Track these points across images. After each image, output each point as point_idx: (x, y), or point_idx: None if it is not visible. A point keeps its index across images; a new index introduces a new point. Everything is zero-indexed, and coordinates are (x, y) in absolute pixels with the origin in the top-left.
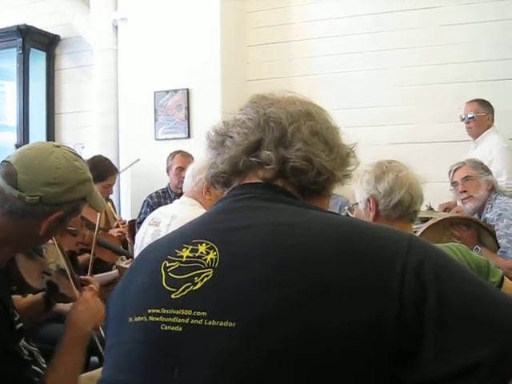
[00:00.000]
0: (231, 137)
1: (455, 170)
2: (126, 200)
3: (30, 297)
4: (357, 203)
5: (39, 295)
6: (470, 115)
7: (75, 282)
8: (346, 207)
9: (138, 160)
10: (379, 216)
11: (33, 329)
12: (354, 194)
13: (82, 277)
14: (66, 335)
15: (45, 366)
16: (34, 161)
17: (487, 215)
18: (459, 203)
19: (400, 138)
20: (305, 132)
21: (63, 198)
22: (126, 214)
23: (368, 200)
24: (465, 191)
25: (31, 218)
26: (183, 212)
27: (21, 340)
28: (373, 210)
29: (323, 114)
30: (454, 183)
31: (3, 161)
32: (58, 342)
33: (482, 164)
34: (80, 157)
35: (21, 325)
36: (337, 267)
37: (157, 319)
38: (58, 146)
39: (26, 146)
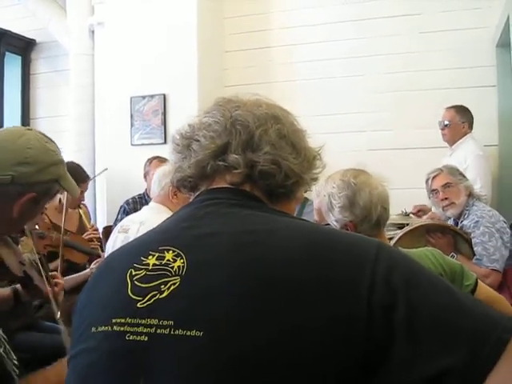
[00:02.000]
0: (198, 140)
1: (433, 178)
2: (101, 206)
3: (0, 291)
4: (328, 224)
5: (7, 289)
6: (445, 122)
7: (47, 277)
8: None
9: (106, 169)
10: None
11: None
12: (318, 208)
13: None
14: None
15: (16, 362)
16: (4, 142)
17: (464, 222)
18: (435, 210)
19: (379, 144)
20: (272, 135)
21: (35, 178)
22: (102, 219)
23: (346, 225)
24: (446, 198)
25: (4, 200)
26: (151, 218)
27: None
28: (352, 231)
29: (290, 117)
30: (433, 191)
31: None
32: (36, 351)
33: (458, 170)
34: (52, 140)
35: None
36: (306, 271)
37: (121, 329)
38: (29, 129)
39: None
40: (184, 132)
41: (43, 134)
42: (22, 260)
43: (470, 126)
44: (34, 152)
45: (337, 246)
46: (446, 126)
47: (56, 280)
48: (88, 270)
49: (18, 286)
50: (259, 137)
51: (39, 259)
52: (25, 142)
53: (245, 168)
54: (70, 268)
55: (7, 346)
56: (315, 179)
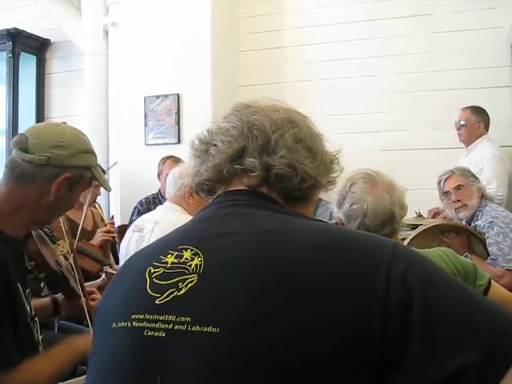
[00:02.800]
0: (215, 145)
1: (446, 180)
2: (115, 205)
3: (40, 300)
4: None
5: (47, 299)
6: (461, 122)
7: (81, 284)
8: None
9: (116, 163)
10: None
11: None
12: None
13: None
14: (62, 345)
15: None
16: (43, 127)
17: (477, 222)
18: (448, 212)
19: (392, 144)
20: (288, 139)
21: (69, 161)
22: (116, 219)
23: (339, 220)
24: (458, 200)
25: (41, 181)
26: (166, 217)
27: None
28: None
29: (306, 122)
30: (445, 193)
31: (18, 134)
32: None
33: (470, 171)
34: (84, 134)
35: (34, 312)
36: (322, 272)
37: (140, 325)
38: (65, 123)
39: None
40: (203, 137)
41: (78, 129)
42: (58, 260)
43: (486, 127)
44: (68, 138)
45: (353, 247)
46: (461, 125)
47: (94, 295)
48: (100, 279)
49: (58, 295)
50: (275, 141)
51: (75, 264)
52: (61, 130)
53: (261, 171)
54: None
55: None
56: (332, 182)
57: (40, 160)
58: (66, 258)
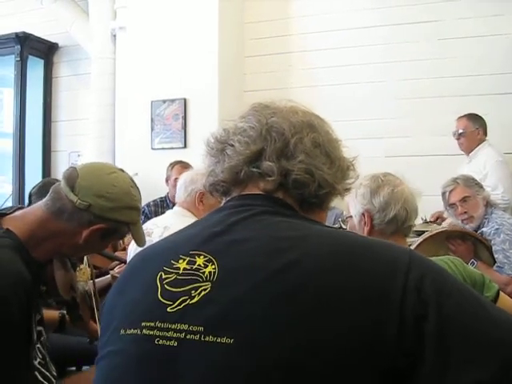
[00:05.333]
0: (232, 145)
1: (450, 192)
2: None
3: (48, 312)
4: (350, 216)
5: (56, 313)
6: (460, 131)
7: (94, 312)
8: (340, 219)
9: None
10: (374, 231)
11: None
12: (348, 207)
13: None
14: None
15: (55, 373)
16: (96, 171)
17: (484, 229)
18: (454, 221)
19: (396, 150)
20: (307, 144)
21: (109, 214)
22: None
23: (363, 214)
24: (465, 212)
25: (76, 223)
26: (176, 223)
27: (38, 341)
28: (367, 225)
29: (325, 126)
30: (451, 205)
31: (71, 166)
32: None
33: (474, 180)
34: (137, 187)
35: (41, 328)
36: (338, 280)
37: (151, 333)
38: (122, 171)
39: (95, 161)
40: (219, 136)
41: (131, 179)
42: (74, 286)
43: (485, 132)
44: (117, 190)
45: (369, 254)
46: (460, 134)
47: None
48: (109, 276)
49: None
50: (294, 145)
51: (93, 292)
52: (112, 180)
53: (279, 176)
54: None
55: (47, 358)
56: (348, 189)
57: (81, 204)
58: (87, 283)
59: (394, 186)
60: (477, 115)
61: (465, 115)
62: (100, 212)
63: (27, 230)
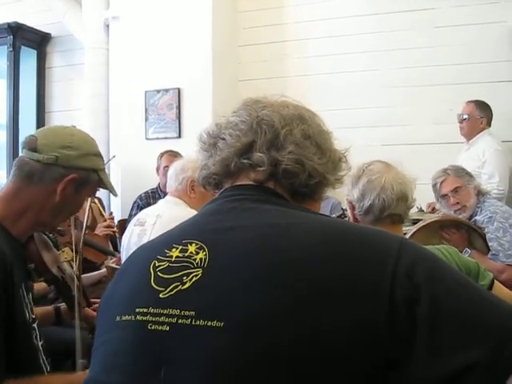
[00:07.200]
0: (223, 139)
1: (441, 183)
2: (115, 200)
3: (42, 309)
4: None
5: (50, 308)
6: (464, 116)
7: (84, 294)
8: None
9: (114, 157)
10: (357, 220)
11: None
12: (344, 196)
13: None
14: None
15: (46, 364)
16: (53, 129)
17: (477, 217)
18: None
19: (393, 139)
20: (297, 135)
21: (77, 162)
22: (117, 213)
23: (349, 203)
24: (457, 203)
25: (48, 181)
26: (168, 211)
27: (33, 321)
28: (352, 215)
29: (316, 119)
30: (443, 196)
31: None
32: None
33: (464, 170)
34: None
35: (34, 316)
36: (327, 268)
37: (144, 318)
38: (74, 126)
39: None
40: (211, 131)
41: (85, 131)
42: (60, 266)
43: (489, 123)
44: (76, 139)
45: (360, 241)
46: (464, 119)
47: (96, 305)
48: (104, 269)
49: (61, 304)
50: (284, 136)
51: (79, 273)
52: (69, 132)
53: (269, 166)
54: (85, 267)
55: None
56: (340, 180)
57: (48, 159)
58: (71, 266)
59: (371, 175)
60: (486, 104)
61: (474, 101)
62: (68, 162)
63: (2, 209)
